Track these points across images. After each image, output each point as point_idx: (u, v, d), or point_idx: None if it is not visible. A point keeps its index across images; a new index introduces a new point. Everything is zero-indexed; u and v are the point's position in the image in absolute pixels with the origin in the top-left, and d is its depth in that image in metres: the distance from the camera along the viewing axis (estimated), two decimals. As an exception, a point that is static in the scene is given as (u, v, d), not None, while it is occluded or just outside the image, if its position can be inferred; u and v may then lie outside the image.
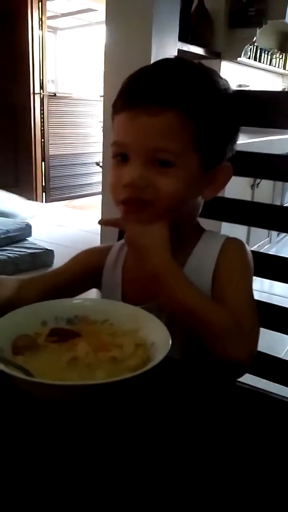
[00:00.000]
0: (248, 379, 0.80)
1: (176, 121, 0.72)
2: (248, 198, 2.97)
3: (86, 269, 0.91)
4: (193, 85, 0.74)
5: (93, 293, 0.98)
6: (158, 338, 0.62)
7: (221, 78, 0.79)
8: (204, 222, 0.89)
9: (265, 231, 3.51)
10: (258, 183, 2.99)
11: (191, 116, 0.72)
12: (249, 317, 0.75)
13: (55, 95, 5.79)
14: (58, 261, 3.39)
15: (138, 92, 0.74)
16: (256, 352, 0.74)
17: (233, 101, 0.79)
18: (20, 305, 0.69)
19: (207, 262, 0.80)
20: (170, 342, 0.59)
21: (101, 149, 2.39)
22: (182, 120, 0.72)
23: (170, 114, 0.72)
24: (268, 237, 3.70)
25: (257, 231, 3.23)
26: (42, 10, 5.18)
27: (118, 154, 0.76)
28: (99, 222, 0.86)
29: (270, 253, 3.38)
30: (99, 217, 2.38)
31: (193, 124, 0.73)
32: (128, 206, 0.76)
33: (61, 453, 0.51)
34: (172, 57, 0.84)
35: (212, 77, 0.77)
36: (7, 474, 0.48)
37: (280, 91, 4.09)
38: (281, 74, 4.84)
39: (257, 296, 0.80)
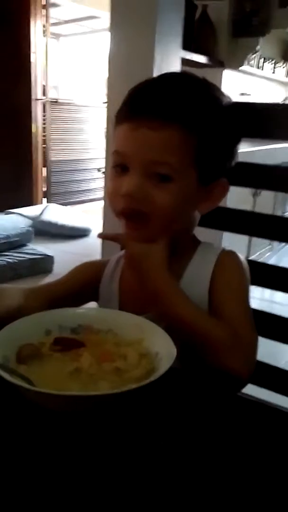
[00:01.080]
0: (248, 388, 0.80)
1: (177, 136, 0.73)
2: (250, 206, 2.97)
3: (83, 283, 0.92)
4: (196, 101, 0.75)
5: (92, 305, 0.99)
6: (162, 348, 0.62)
7: (223, 94, 0.79)
8: (205, 232, 0.90)
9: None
10: (260, 192, 2.99)
11: (192, 132, 0.73)
12: (247, 331, 0.75)
13: (57, 101, 5.81)
14: (58, 268, 3.39)
15: (141, 104, 0.74)
16: (255, 364, 0.74)
17: (234, 117, 0.80)
18: (23, 315, 0.69)
19: (203, 274, 0.81)
20: (175, 353, 0.60)
21: (102, 155, 2.40)
22: (183, 135, 0.73)
23: (171, 129, 0.72)
24: (269, 245, 3.70)
25: (258, 239, 3.23)
26: (45, 17, 5.21)
27: (118, 164, 0.77)
28: (99, 236, 0.87)
29: (271, 261, 3.39)
30: (101, 222, 2.39)
31: (194, 139, 0.74)
32: (129, 222, 0.77)
33: (61, 462, 0.51)
34: (178, 71, 0.86)
35: (215, 93, 0.78)
36: (7, 480, 0.48)
37: (282, 103, 4.10)
38: (284, 83, 4.86)
39: (257, 304, 0.81)
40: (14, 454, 0.52)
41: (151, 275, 0.76)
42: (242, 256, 0.85)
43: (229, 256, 0.84)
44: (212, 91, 0.78)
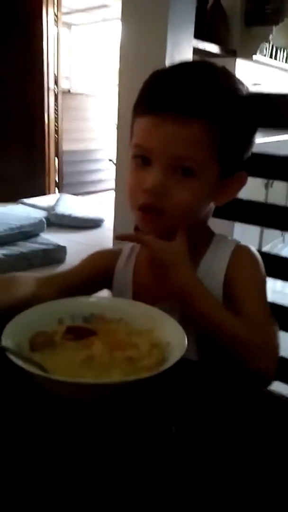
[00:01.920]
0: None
1: (203, 131, 0.72)
2: (262, 197, 2.96)
3: (97, 271, 0.92)
4: (221, 96, 0.74)
5: (103, 294, 0.99)
6: (174, 338, 0.63)
7: (243, 84, 0.79)
8: (217, 222, 0.90)
9: (278, 230, 3.49)
10: (272, 183, 2.97)
11: (216, 126, 0.73)
12: (272, 331, 0.75)
13: (69, 91, 5.80)
14: (70, 258, 3.41)
15: (166, 99, 0.73)
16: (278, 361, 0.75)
17: (253, 109, 0.79)
18: (36, 303, 0.70)
19: (217, 268, 0.81)
20: (186, 343, 0.60)
21: (113, 146, 2.39)
22: (208, 130, 0.72)
23: (197, 124, 0.72)
24: (281, 236, 3.68)
25: (270, 230, 3.21)
26: (57, 6, 5.19)
27: (138, 156, 0.77)
28: (117, 237, 0.86)
29: (283, 253, 3.38)
30: (112, 214, 2.39)
31: (217, 133, 0.73)
32: (145, 214, 0.76)
33: (74, 449, 0.52)
34: (196, 59, 0.84)
35: (237, 85, 0.77)
36: (11, 468, 0.49)
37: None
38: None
39: (269, 296, 0.81)
40: (28, 441, 0.53)
41: (177, 272, 0.75)
42: (256, 251, 0.85)
43: (244, 251, 0.84)
44: (234, 83, 0.77)
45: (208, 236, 0.87)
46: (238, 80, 0.78)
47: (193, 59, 2.24)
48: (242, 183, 0.82)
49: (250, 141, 0.81)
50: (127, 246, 0.93)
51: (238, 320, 0.73)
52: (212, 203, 0.82)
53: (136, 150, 0.77)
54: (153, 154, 0.74)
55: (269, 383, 0.74)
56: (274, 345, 0.74)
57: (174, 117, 0.71)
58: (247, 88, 0.79)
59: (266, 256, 0.88)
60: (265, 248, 3.18)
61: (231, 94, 0.75)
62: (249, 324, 0.73)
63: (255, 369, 0.71)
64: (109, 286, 0.92)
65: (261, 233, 3.16)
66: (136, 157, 0.77)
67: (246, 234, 2.65)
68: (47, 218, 4.45)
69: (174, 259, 0.75)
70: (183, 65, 0.80)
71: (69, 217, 4.47)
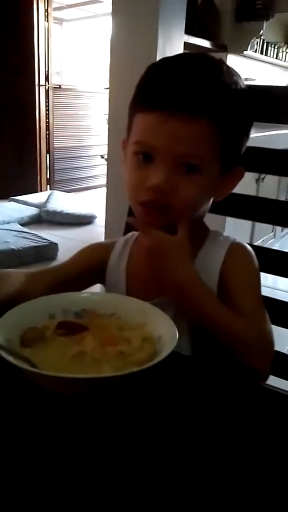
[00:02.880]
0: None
1: (208, 128, 0.72)
2: (253, 192, 2.97)
3: (90, 264, 0.91)
4: (225, 93, 0.73)
5: (96, 288, 0.99)
6: (165, 332, 0.63)
7: (239, 77, 0.78)
8: (208, 217, 0.89)
9: (269, 226, 3.51)
10: (264, 178, 2.98)
11: (220, 123, 0.72)
12: (268, 330, 0.76)
13: (60, 87, 5.78)
14: (62, 255, 3.40)
15: (171, 96, 0.71)
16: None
17: (251, 103, 0.79)
18: (27, 299, 0.69)
19: (213, 264, 0.81)
20: (177, 336, 0.60)
21: (105, 142, 2.39)
22: (213, 127, 0.72)
23: (203, 122, 0.71)
24: (272, 231, 3.70)
25: (261, 225, 3.23)
26: (48, 2, 5.16)
27: (140, 152, 0.75)
28: (128, 220, 0.85)
29: (274, 248, 3.38)
30: (103, 210, 2.39)
31: (220, 130, 0.73)
32: (148, 209, 0.76)
33: (65, 444, 0.52)
34: (194, 52, 0.83)
35: (237, 80, 0.76)
36: (9, 462, 0.49)
37: None
38: (288, 68, 4.82)
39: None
40: (19, 436, 0.53)
41: (176, 266, 0.74)
42: (251, 248, 0.85)
43: (240, 248, 0.84)
44: (233, 76, 0.76)
45: (204, 231, 0.87)
46: (236, 72, 0.78)
47: (182, 53, 2.24)
48: (240, 177, 0.82)
49: (247, 135, 0.81)
50: (120, 240, 0.92)
51: (235, 317, 0.73)
52: (211, 198, 0.82)
53: (137, 147, 0.76)
54: (157, 151, 0.73)
55: (265, 379, 0.74)
56: (269, 342, 0.74)
57: (179, 115, 0.70)
58: (242, 80, 0.79)
59: (258, 249, 0.88)
60: (256, 243, 3.19)
61: (233, 90, 0.75)
62: (244, 321, 0.74)
63: (251, 365, 0.71)
64: (102, 281, 0.92)
65: (252, 228, 3.17)
66: (137, 154, 0.76)
67: (238, 230, 2.66)
68: (38, 215, 4.45)
69: (175, 252, 0.75)
70: (183, 59, 0.78)
71: (61, 213, 4.46)
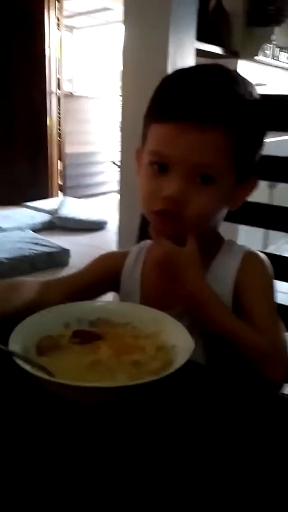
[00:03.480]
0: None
1: (224, 139, 0.72)
2: (266, 198, 2.95)
3: (105, 273, 0.92)
4: (240, 104, 0.74)
5: (110, 297, 0.99)
6: (180, 341, 0.63)
7: (253, 87, 0.78)
8: (221, 224, 0.90)
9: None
10: (277, 184, 2.97)
11: (235, 134, 0.73)
12: (281, 339, 0.76)
13: (71, 94, 5.82)
14: (74, 260, 3.41)
15: (187, 107, 0.72)
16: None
17: (265, 112, 0.79)
18: (42, 308, 0.70)
19: (227, 274, 0.81)
20: (193, 346, 0.60)
21: (116, 148, 2.39)
22: (228, 138, 0.72)
23: (218, 133, 0.72)
24: (286, 237, 3.67)
25: (275, 232, 3.21)
26: (59, 10, 5.21)
27: (155, 162, 0.76)
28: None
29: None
30: (115, 216, 2.39)
31: (236, 141, 0.73)
32: (162, 218, 0.76)
33: (80, 452, 0.52)
34: (202, 62, 0.83)
35: (250, 89, 0.77)
36: (18, 470, 0.49)
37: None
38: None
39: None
40: (36, 444, 0.53)
41: (188, 277, 0.75)
42: (265, 257, 0.85)
43: (254, 258, 0.84)
44: (247, 86, 0.77)
45: (218, 241, 0.87)
46: (249, 83, 0.78)
47: (196, 61, 2.24)
48: (255, 187, 0.82)
49: (262, 145, 0.81)
50: (134, 248, 0.93)
51: (247, 327, 0.74)
52: (226, 208, 0.82)
53: (153, 157, 0.76)
54: (172, 161, 0.73)
55: (280, 387, 0.74)
56: (282, 351, 0.74)
57: (195, 126, 0.71)
58: (256, 90, 0.79)
59: (272, 257, 0.88)
60: (269, 249, 3.17)
61: (248, 100, 0.75)
62: (258, 331, 0.74)
63: (265, 374, 0.71)
64: (116, 289, 0.92)
65: (266, 234, 3.16)
66: (153, 164, 0.76)
67: (251, 236, 2.65)
68: (50, 221, 4.47)
69: (186, 265, 0.75)
70: (198, 71, 0.79)
71: (73, 219, 4.49)
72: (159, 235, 0.78)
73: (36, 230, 4.20)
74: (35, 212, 4.68)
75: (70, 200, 5.10)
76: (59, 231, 4.34)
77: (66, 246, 3.59)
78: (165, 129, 0.74)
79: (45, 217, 4.53)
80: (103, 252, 0.97)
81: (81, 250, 3.58)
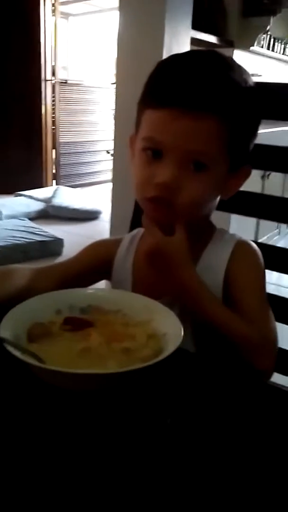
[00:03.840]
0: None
1: (217, 126, 0.72)
2: (259, 189, 2.96)
3: (97, 261, 0.92)
4: (234, 91, 0.73)
5: (102, 285, 0.99)
6: (170, 329, 0.63)
7: (248, 75, 0.78)
8: (213, 214, 0.90)
9: (274, 223, 3.50)
10: (269, 174, 2.97)
11: (229, 121, 0.73)
12: (270, 328, 0.76)
13: (66, 82, 5.77)
14: (67, 250, 3.41)
15: (181, 93, 0.71)
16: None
17: (259, 100, 0.79)
18: (33, 295, 0.70)
19: (218, 263, 0.81)
20: (182, 333, 0.60)
21: (111, 137, 2.39)
22: (221, 124, 0.72)
23: (212, 119, 0.71)
24: (277, 228, 3.69)
25: (266, 222, 3.22)
26: (54, -4, 5.15)
27: (149, 148, 0.75)
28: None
29: (279, 245, 3.38)
30: (108, 205, 2.39)
31: (228, 127, 0.73)
32: (155, 205, 0.76)
33: (70, 439, 0.52)
34: (203, 49, 0.82)
35: (245, 76, 0.76)
36: (14, 457, 0.49)
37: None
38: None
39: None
40: (26, 431, 0.53)
41: (174, 267, 0.75)
42: (256, 247, 0.85)
43: (246, 247, 0.84)
44: (242, 74, 0.76)
45: (210, 230, 0.87)
46: (245, 70, 0.78)
47: (191, 50, 2.23)
48: (247, 176, 0.82)
49: (255, 133, 0.81)
50: (126, 236, 0.93)
51: (237, 318, 0.74)
52: (218, 196, 0.82)
53: (146, 143, 0.76)
54: (166, 148, 0.73)
55: (269, 377, 0.75)
56: (272, 341, 0.75)
57: (189, 113, 0.71)
58: (251, 78, 0.79)
59: (263, 246, 0.88)
60: (261, 240, 3.18)
61: (242, 88, 0.75)
62: (248, 321, 0.74)
63: (254, 365, 0.71)
64: (108, 277, 0.92)
65: (257, 225, 3.17)
66: (146, 150, 0.76)
67: (242, 226, 2.66)
68: (45, 210, 4.46)
69: (174, 254, 0.75)
70: (192, 56, 0.78)
71: (67, 209, 4.47)
72: (152, 222, 0.78)
73: (31, 219, 4.18)
74: (29, 200, 4.66)
75: (64, 189, 5.07)
76: (53, 220, 4.33)
77: (60, 235, 3.58)
78: (158, 115, 0.74)
79: (40, 206, 4.52)
80: (96, 241, 0.96)
81: (75, 240, 3.57)
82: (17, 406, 0.57)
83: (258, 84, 0.80)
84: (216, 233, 0.86)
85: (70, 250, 3.22)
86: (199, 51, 0.80)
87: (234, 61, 0.77)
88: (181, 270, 0.75)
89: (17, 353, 0.55)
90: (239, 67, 0.77)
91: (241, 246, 0.84)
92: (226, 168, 0.77)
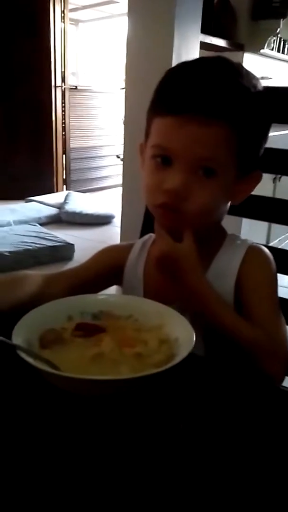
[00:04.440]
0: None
1: (226, 132, 0.72)
2: (270, 192, 2.95)
3: (108, 267, 0.92)
4: (243, 97, 0.73)
5: (113, 290, 0.99)
6: (182, 334, 0.63)
7: (257, 80, 0.77)
8: (224, 218, 0.89)
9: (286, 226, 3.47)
10: (280, 177, 2.96)
11: (237, 127, 0.72)
12: (281, 334, 0.76)
13: (76, 88, 5.80)
14: (78, 255, 3.42)
15: (190, 101, 0.71)
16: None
17: (269, 105, 0.79)
18: (45, 301, 0.70)
19: (230, 269, 0.81)
20: (194, 338, 0.60)
21: (121, 142, 2.39)
22: (231, 131, 0.72)
23: (221, 126, 0.71)
24: (289, 231, 3.66)
25: (278, 225, 3.20)
26: (64, 3, 5.19)
27: (158, 156, 0.76)
28: None
29: (291, 247, 3.34)
30: (119, 210, 2.39)
31: (237, 134, 0.73)
32: (165, 211, 0.76)
33: (83, 444, 0.52)
34: (207, 55, 0.82)
35: (254, 82, 0.76)
36: (20, 464, 0.49)
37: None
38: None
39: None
40: (40, 437, 0.53)
41: (184, 273, 0.75)
42: (268, 252, 0.85)
43: (257, 252, 0.84)
44: (251, 80, 0.76)
45: (221, 235, 0.87)
46: (253, 75, 0.77)
47: (200, 54, 2.23)
48: (257, 181, 0.82)
49: (265, 139, 0.81)
50: (138, 242, 0.93)
51: (248, 324, 0.74)
52: (228, 202, 0.82)
53: (156, 150, 0.76)
54: (175, 155, 0.73)
55: (280, 382, 0.74)
56: (282, 346, 0.74)
57: (198, 119, 0.71)
58: (260, 83, 0.78)
59: (275, 251, 0.88)
60: (272, 243, 3.17)
61: (252, 93, 0.75)
62: (259, 326, 0.74)
63: (265, 370, 0.71)
64: (119, 283, 0.92)
65: (269, 228, 3.15)
66: (156, 157, 0.76)
67: (254, 229, 2.65)
68: (57, 216, 4.48)
69: (183, 260, 0.75)
70: (201, 63, 0.78)
71: (79, 214, 4.49)
72: (163, 229, 0.78)
73: (42, 224, 4.21)
74: (41, 206, 4.69)
75: (75, 195, 5.10)
76: (65, 226, 4.35)
77: (71, 241, 3.59)
78: (167, 122, 0.74)
79: (51, 211, 4.54)
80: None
81: (87, 245, 3.59)
82: (30, 413, 0.57)
83: (268, 88, 0.80)
84: (228, 238, 0.86)
85: (81, 255, 3.24)
86: (207, 57, 0.80)
87: (242, 67, 0.77)
88: (190, 275, 0.75)
89: (30, 360, 0.55)
90: (248, 72, 0.77)
91: (252, 251, 0.83)
92: (236, 174, 0.77)
